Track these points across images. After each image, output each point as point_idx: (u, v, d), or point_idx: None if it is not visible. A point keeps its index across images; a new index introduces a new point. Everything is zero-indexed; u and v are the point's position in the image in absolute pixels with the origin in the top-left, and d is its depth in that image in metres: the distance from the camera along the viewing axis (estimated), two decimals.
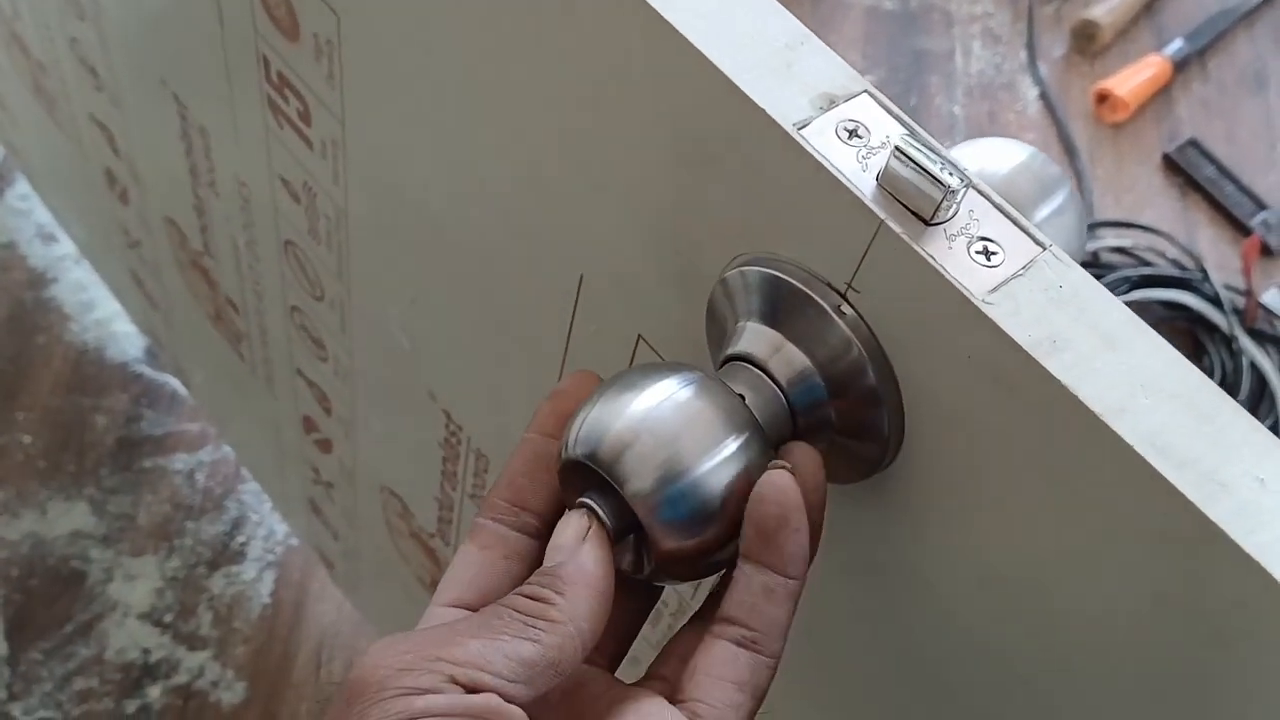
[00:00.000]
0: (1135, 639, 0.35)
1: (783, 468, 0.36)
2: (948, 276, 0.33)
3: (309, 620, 1.19)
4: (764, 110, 0.35)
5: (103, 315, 1.34)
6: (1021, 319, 0.33)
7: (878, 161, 0.35)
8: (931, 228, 0.34)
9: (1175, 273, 1.36)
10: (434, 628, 0.35)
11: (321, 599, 1.19)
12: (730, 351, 0.39)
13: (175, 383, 1.29)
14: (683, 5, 0.37)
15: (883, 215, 0.34)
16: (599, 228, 0.46)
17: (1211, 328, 1.33)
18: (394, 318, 0.67)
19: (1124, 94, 1.49)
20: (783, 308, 0.38)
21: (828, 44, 0.37)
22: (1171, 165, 1.48)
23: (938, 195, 0.33)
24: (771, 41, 0.37)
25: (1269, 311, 1.34)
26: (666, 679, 0.38)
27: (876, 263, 0.35)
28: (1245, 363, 1.30)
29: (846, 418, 0.38)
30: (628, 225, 0.44)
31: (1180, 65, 1.53)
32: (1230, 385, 1.30)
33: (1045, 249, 0.34)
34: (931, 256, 0.33)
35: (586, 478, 0.37)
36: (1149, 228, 1.40)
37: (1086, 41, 1.55)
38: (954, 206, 0.34)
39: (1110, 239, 1.40)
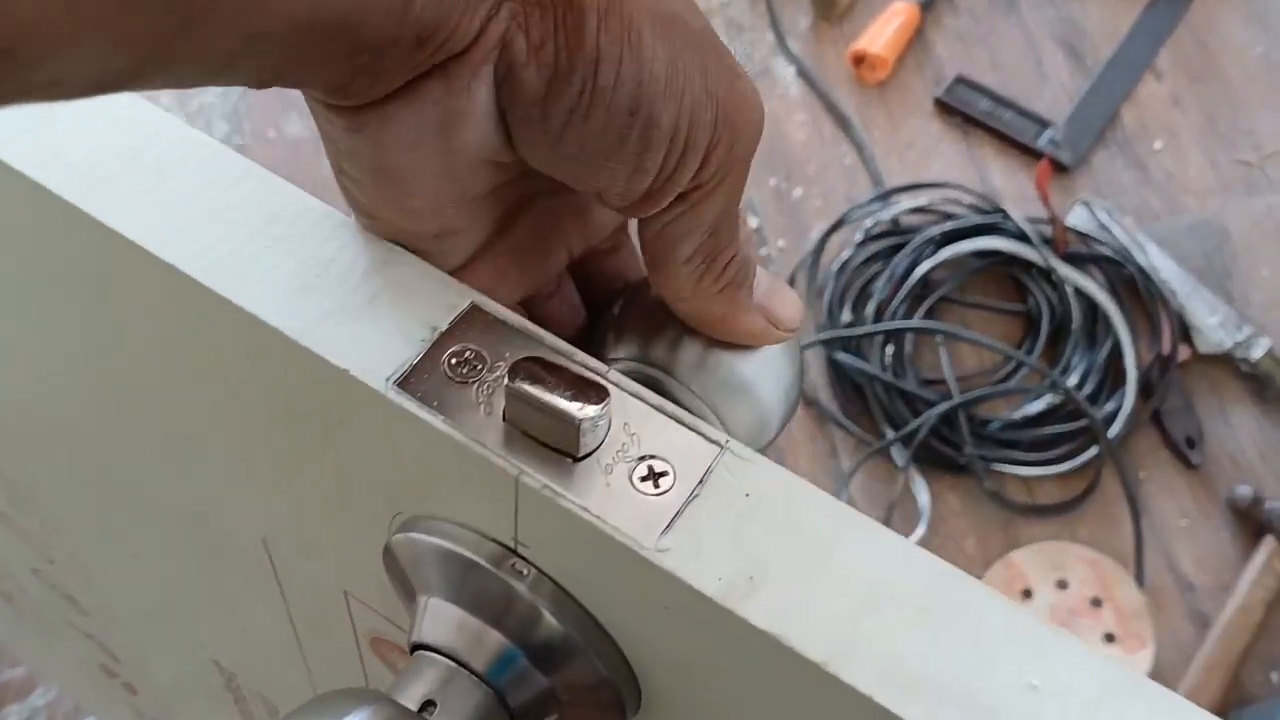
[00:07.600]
0: None
1: None
2: (607, 530, 0.27)
3: None
4: (346, 371, 0.29)
5: None
6: (707, 558, 0.26)
7: (501, 398, 0.28)
8: (581, 462, 0.28)
9: (978, 220, 1.33)
10: None
11: None
12: (414, 640, 0.32)
13: None
14: (232, 271, 0.30)
15: (518, 467, 0.27)
16: (261, 498, 0.39)
17: (1028, 265, 1.30)
18: (131, 567, 0.59)
19: (879, 50, 1.45)
20: (456, 577, 0.31)
21: None
22: (945, 108, 1.45)
23: (570, 430, 0.27)
24: (349, 274, 0.30)
25: (1079, 234, 1.32)
26: None
27: (532, 517, 0.28)
28: (1070, 290, 1.28)
29: (569, 688, 0.31)
30: (285, 491, 0.37)
31: (927, 5, 1.50)
32: (1061, 316, 1.27)
33: (723, 448, 0.28)
34: (584, 507, 0.27)
35: None
36: (939, 183, 1.37)
37: (829, 7, 1.51)
38: (599, 431, 0.28)
39: (906, 201, 1.36)
